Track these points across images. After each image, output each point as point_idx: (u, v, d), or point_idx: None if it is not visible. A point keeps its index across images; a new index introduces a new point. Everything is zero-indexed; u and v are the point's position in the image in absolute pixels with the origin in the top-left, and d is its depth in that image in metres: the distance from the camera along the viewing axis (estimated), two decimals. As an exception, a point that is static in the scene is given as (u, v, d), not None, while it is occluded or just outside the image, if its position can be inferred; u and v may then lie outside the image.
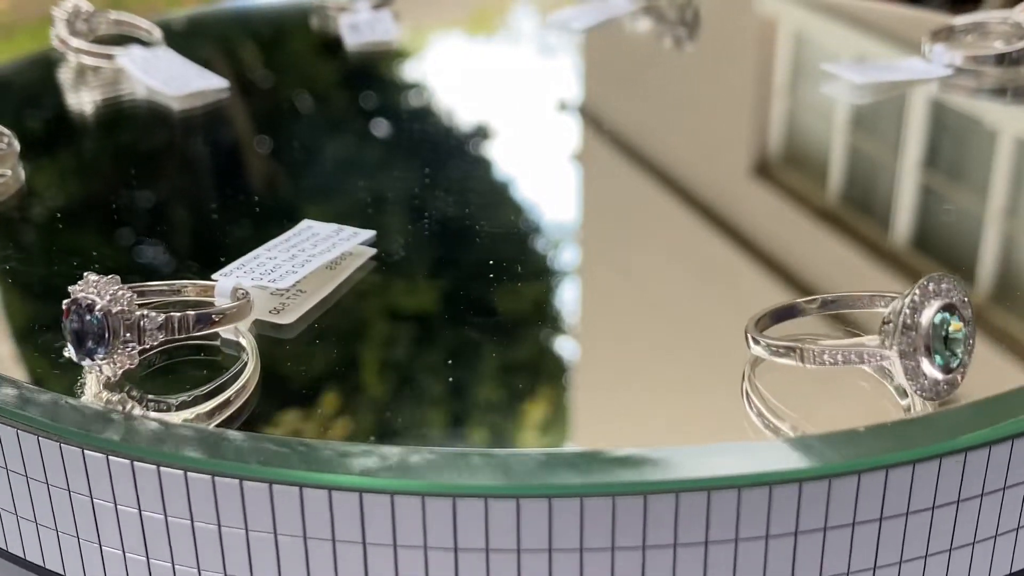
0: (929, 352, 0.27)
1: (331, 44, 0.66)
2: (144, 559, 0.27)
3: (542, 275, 0.38)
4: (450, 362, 0.32)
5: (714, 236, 0.41)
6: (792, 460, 0.25)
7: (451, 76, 0.60)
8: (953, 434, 0.26)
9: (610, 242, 0.41)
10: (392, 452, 0.25)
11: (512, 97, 0.57)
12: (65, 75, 0.58)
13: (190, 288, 0.33)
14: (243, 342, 0.31)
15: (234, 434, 0.27)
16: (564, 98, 0.57)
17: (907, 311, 0.27)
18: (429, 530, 0.25)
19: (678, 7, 0.65)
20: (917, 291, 0.27)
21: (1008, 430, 0.26)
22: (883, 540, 0.26)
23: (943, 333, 0.28)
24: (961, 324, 0.28)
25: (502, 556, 0.25)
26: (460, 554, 0.25)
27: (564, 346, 0.34)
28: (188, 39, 0.63)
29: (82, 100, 0.56)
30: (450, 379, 0.31)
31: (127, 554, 0.27)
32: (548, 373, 0.32)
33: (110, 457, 0.26)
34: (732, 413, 0.29)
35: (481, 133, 0.52)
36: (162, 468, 0.26)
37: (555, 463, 0.25)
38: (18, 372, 0.32)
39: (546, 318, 0.35)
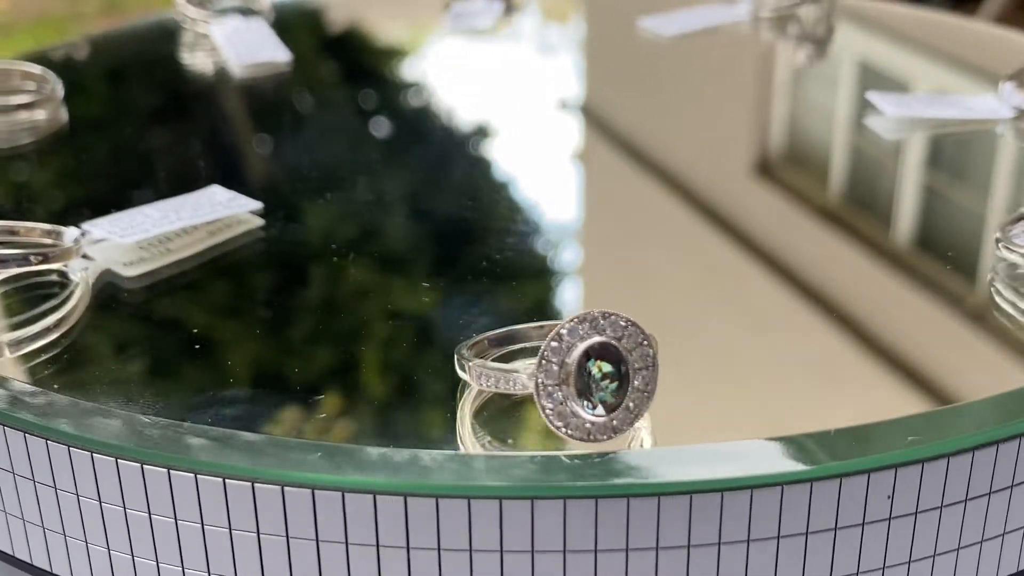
0: (578, 392, 0.26)
1: (333, 43, 0.66)
2: (129, 557, 0.27)
3: (543, 275, 0.38)
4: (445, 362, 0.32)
5: (716, 236, 0.40)
6: (795, 462, 0.25)
7: (451, 75, 0.60)
8: (950, 434, 0.26)
9: (611, 242, 0.41)
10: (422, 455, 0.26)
11: (513, 96, 0.57)
12: (185, 40, 0.61)
13: (36, 231, 0.36)
14: (75, 278, 0.34)
15: (234, 433, 0.27)
16: (565, 97, 0.57)
17: (551, 345, 0.26)
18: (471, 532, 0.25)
19: (811, 20, 0.60)
20: (567, 327, 0.26)
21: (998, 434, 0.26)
22: (916, 535, 0.26)
23: (596, 374, 0.26)
24: (609, 366, 0.26)
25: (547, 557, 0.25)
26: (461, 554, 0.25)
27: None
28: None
29: (171, 64, 0.59)
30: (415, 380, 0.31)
31: (112, 552, 0.27)
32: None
33: (95, 455, 0.26)
34: (735, 414, 0.29)
35: (482, 132, 0.52)
36: (145, 466, 0.26)
37: (568, 465, 0.25)
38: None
39: (547, 318, 0.35)
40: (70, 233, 0.35)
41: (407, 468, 0.25)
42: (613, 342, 0.26)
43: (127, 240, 0.36)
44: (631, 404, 0.26)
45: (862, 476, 0.25)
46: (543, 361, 0.26)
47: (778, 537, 0.25)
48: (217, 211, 0.38)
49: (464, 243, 0.40)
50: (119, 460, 0.26)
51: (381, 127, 0.53)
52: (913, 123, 0.48)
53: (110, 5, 0.63)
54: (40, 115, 0.49)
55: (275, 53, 0.58)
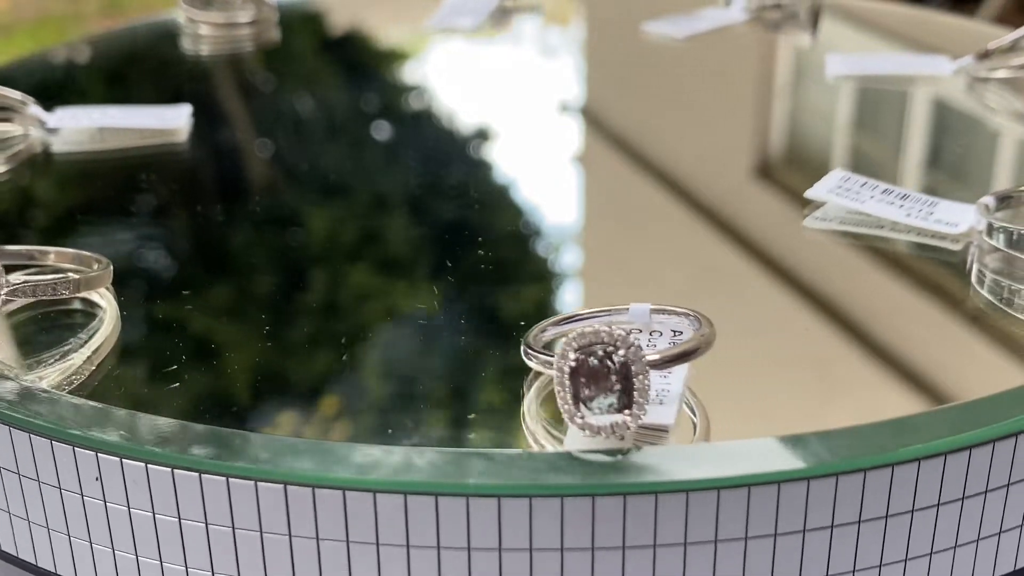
0: None
1: (332, 44, 0.66)
2: (133, 557, 0.27)
3: (543, 277, 0.38)
4: (449, 365, 0.32)
5: (716, 238, 0.40)
6: (792, 460, 0.25)
7: (452, 77, 0.60)
8: (946, 433, 0.26)
9: (611, 244, 0.41)
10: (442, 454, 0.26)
11: (513, 99, 0.57)
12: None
13: (23, 102, 0.48)
14: (29, 136, 0.48)
15: (235, 432, 0.27)
16: (566, 99, 0.57)
17: None
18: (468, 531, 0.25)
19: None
20: None
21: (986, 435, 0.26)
22: (913, 533, 0.26)
23: None
24: None
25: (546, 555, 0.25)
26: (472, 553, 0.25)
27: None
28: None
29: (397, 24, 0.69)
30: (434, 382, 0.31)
31: (116, 552, 0.27)
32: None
33: (100, 455, 0.26)
34: (733, 412, 0.29)
35: (482, 135, 0.52)
36: (150, 466, 0.26)
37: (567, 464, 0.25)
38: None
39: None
40: (33, 109, 0.48)
41: (406, 467, 0.25)
42: None
43: (59, 125, 0.48)
44: None
45: (859, 474, 0.25)
46: None
47: (775, 535, 0.25)
48: (151, 121, 0.49)
49: (464, 245, 0.40)
50: (123, 460, 0.26)
51: (381, 129, 0.53)
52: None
53: (110, 5, 0.64)
54: (256, 32, 0.62)
55: (464, 20, 0.62)
